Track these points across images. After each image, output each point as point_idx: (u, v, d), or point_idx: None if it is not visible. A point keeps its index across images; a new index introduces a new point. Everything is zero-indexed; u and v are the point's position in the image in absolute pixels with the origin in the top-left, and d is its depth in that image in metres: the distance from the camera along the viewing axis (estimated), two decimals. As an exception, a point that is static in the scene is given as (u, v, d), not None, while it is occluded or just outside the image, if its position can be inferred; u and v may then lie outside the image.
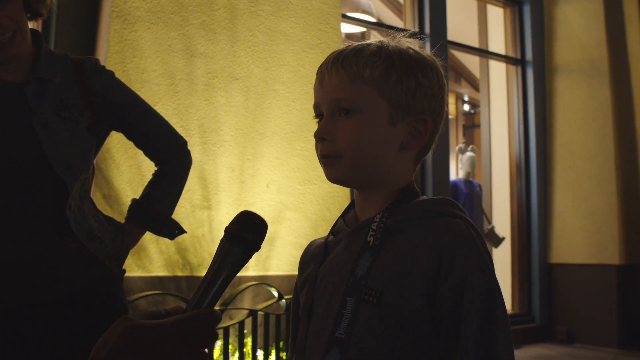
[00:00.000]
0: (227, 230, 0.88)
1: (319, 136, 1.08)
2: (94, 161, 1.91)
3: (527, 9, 6.64)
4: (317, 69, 1.13)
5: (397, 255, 1.02)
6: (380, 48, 1.08)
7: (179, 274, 3.82)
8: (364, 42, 1.11)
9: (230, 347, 3.22)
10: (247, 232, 0.87)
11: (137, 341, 0.75)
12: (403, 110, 1.07)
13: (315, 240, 1.25)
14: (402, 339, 0.98)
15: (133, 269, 3.62)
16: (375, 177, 1.09)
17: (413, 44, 1.11)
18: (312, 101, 1.13)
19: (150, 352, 0.75)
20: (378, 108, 1.06)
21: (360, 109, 1.06)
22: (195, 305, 0.83)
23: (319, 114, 1.11)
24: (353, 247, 1.08)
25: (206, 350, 0.82)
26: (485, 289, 0.97)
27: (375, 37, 1.17)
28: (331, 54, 1.11)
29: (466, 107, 11.09)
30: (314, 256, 1.18)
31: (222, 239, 0.88)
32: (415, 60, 1.08)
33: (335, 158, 1.07)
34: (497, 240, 6.33)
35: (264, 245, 4.03)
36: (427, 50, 1.13)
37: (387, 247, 1.04)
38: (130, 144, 2.03)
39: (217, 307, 2.39)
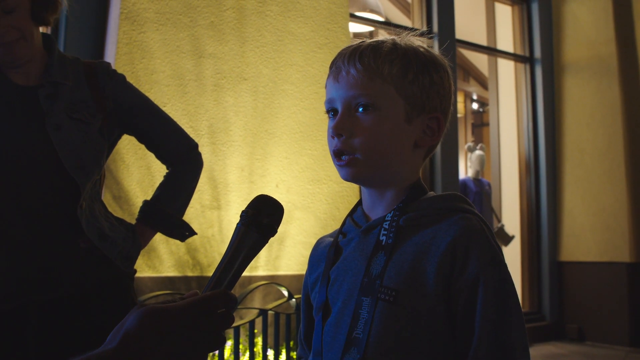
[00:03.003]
0: (244, 214, 0.87)
1: (337, 132, 1.07)
2: (104, 165, 1.92)
3: (535, 7, 6.61)
4: (325, 68, 1.13)
5: (411, 253, 1.03)
6: (395, 45, 1.08)
7: (189, 274, 3.83)
8: (376, 38, 1.11)
9: (240, 346, 3.23)
10: (263, 217, 0.87)
11: (152, 324, 0.74)
12: (418, 108, 1.08)
13: (323, 238, 1.25)
14: (418, 337, 0.99)
15: (143, 269, 3.64)
16: (389, 174, 1.09)
17: (423, 42, 1.12)
18: (321, 101, 1.13)
19: (165, 334, 0.74)
20: (395, 105, 1.06)
21: (379, 105, 1.06)
22: (212, 289, 0.82)
23: (331, 110, 1.11)
24: (365, 246, 1.08)
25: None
26: (499, 283, 0.98)
27: (383, 37, 1.18)
28: (345, 49, 1.11)
29: (475, 106, 11.06)
30: (324, 256, 1.18)
31: (238, 223, 0.87)
32: (429, 59, 1.09)
33: (352, 157, 1.06)
34: (507, 239, 6.31)
35: (273, 245, 3.99)
36: (436, 50, 1.14)
37: (400, 246, 1.04)
38: (140, 145, 2.04)
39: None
